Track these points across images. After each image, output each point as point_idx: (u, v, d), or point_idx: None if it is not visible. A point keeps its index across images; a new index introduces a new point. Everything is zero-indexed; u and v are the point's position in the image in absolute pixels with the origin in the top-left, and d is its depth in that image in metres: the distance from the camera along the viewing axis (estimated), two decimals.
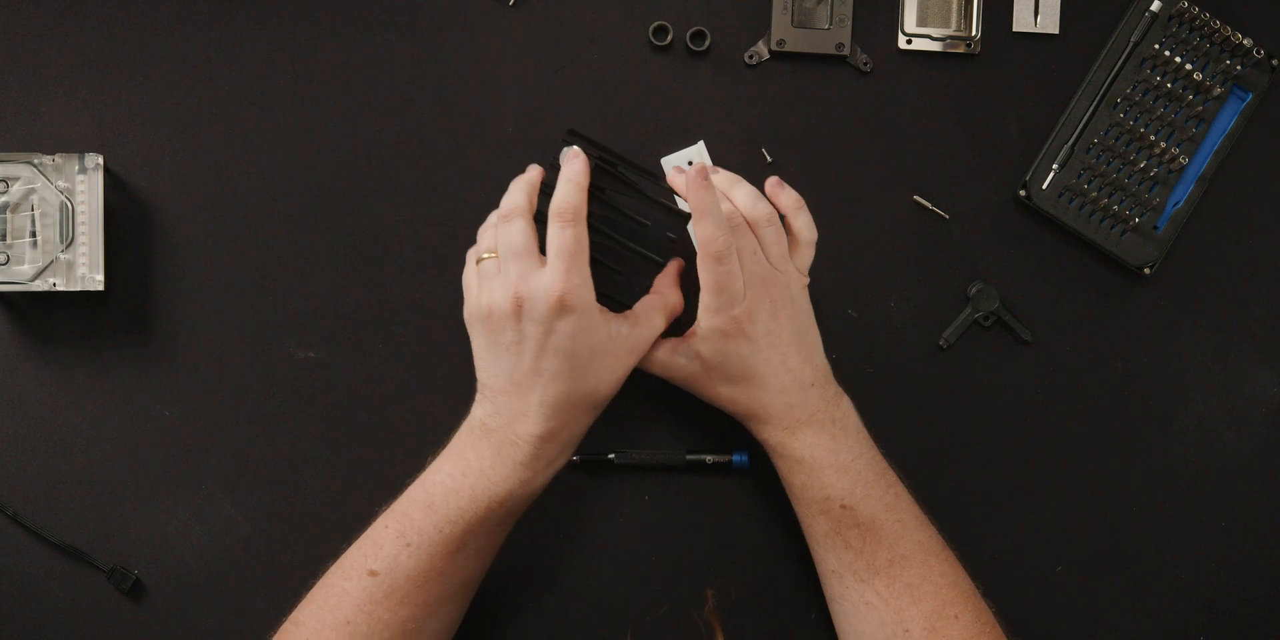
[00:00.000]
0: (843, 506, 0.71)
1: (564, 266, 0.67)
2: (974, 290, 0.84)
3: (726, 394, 0.74)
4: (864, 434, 0.74)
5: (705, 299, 0.71)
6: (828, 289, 0.83)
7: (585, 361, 0.69)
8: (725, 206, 0.72)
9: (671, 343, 0.75)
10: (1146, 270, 0.84)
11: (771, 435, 0.73)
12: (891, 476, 0.74)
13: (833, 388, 0.74)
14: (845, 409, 0.74)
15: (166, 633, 0.78)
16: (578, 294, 0.67)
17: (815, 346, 0.74)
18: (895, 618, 0.70)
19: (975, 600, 0.72)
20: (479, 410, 0.71)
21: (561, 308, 0.67)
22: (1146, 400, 0.85)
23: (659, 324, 0.74)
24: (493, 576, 0.80)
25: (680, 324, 0.76)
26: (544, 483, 0.72)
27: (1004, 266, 0.85)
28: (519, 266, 0.68)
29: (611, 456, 0.80)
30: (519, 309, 0.67)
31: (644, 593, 0.81)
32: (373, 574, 0.68)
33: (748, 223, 0.72)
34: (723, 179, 0.75)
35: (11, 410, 0.79)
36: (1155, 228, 0.84)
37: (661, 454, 0.81)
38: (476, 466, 0.69)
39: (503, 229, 0.70)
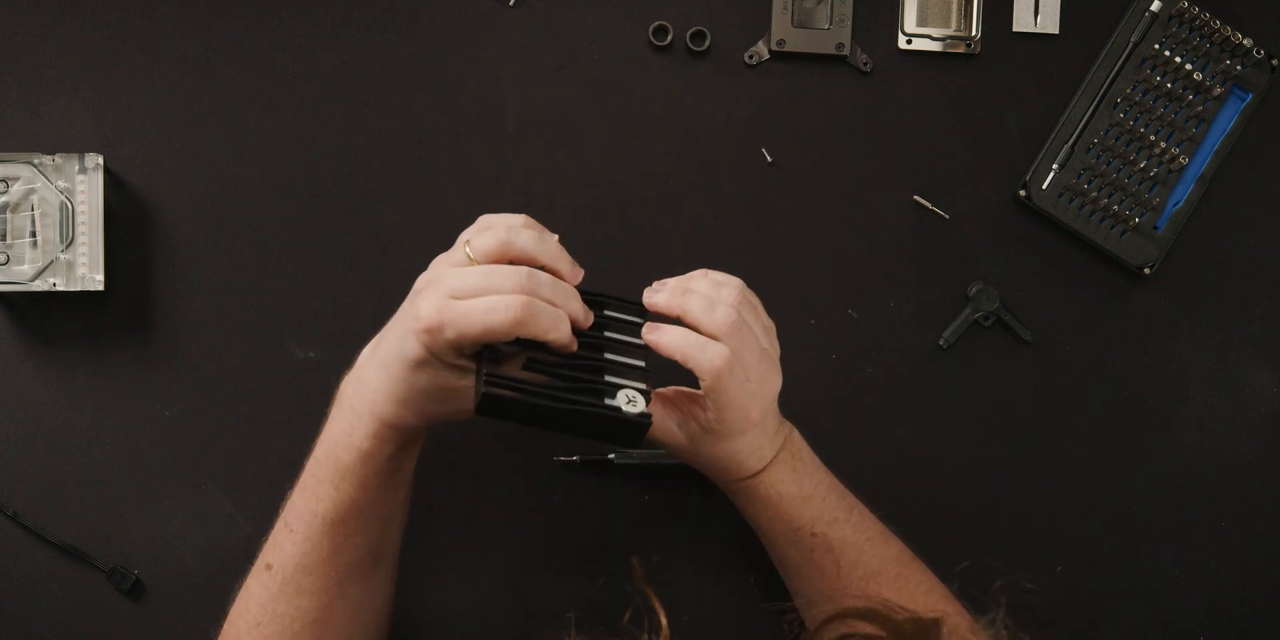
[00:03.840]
0: (813, 534, 0.70)
1: (448, 316, 0.59)
2: (974, 290, 0.84)
3: (696, 458, 0.69)
4: (816, 459, 0.72)
5: (714, 408, 0.64)
6: (828, 289, 0.83)
7: (421, 388, 0.63)
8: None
9: (657, 408, 0.67)
10: (1146, 270, 0.84)
11: (739, 486, 0.70)
12: (851, 496, 0.73)
13: (779, 420, 0.70)
14: (796, 438, 0.71)
15: (166, 633, 0.78)
16: (431, 337, 0.60)
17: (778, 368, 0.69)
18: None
19: (952, 603, 0.72)
20: (347, 375, 0.68)
21: (419, 332, 0.60)
22: (1146, 400, 0.85)
23: None
24: (493, 576, 0.80)
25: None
26: (393, 451, 0.65)
27: (1004, 266, 0.85)
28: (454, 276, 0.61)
29: (611, 456, 0.80)
30: (414, 298, 0.62)
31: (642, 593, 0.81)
32: (269, 568, 0.67)
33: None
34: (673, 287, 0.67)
35: (11, 410, 0.79)
36: (1155, 228, 0.84)
37: (661, 454, 0.80)
38: (328, 436, 0.66)
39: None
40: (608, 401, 0.62)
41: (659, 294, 0.66)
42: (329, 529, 0.65)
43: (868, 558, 0.71)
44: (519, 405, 0.60)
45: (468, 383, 0.62)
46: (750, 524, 0.74)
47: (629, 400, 0.63)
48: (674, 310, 0.65)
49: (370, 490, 0.66)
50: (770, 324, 0.69)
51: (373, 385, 0.64)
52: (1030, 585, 0.59)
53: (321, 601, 0.66)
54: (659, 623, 0.55)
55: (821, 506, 0.71)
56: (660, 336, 0.64)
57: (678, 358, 0.63)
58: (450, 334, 0.59)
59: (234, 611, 0.68)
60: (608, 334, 0.66)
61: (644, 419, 0.62)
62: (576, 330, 0.63)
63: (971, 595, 0.67)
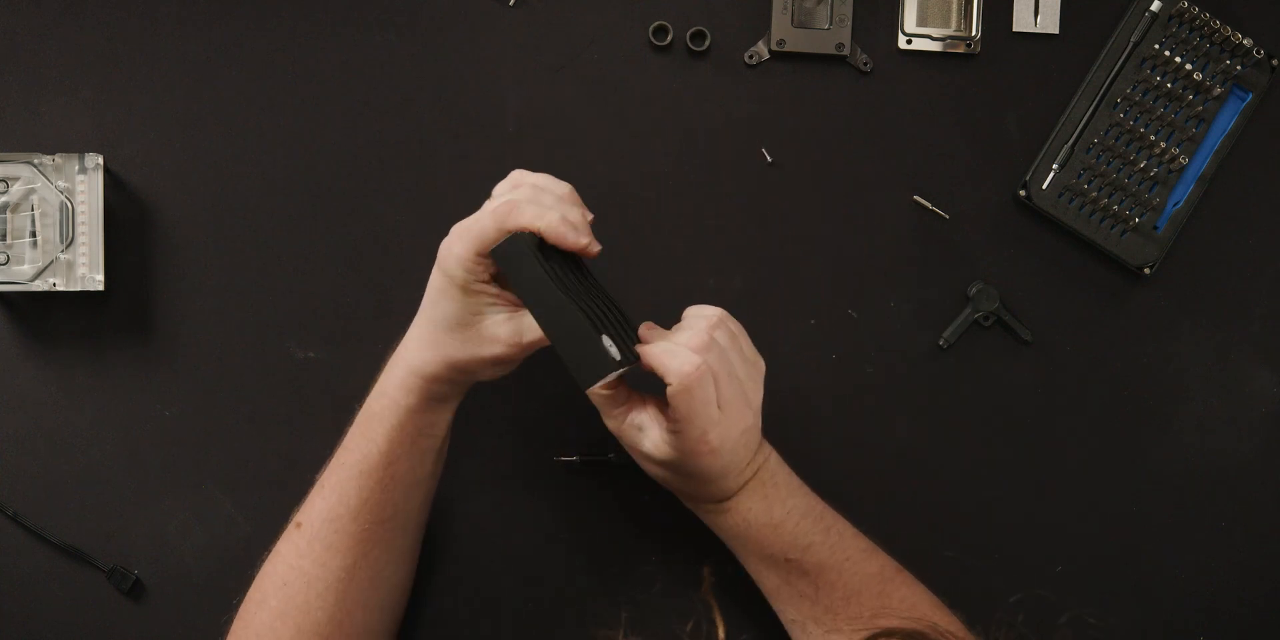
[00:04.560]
0: (787, 560, 0.70)
1: (461, 228, 0.65)
2: (974, 290, 0.84)
3: (663, 476, 0.70)
4: (793, 480, 0.72)
5: (673, 421, 0.65)
6: (828, 289, 0.83)
7: (442, 321, 0.67)
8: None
9: (636, 404, 0.68)
10: (1146, 270, 0.84)
11: (706, 512, 0.72)
12: (829, 516, 0.72)
13: (751, 452, 0.70)
14: (772, 463, 0.71)
15: (166, 633, 0.78)
16: (443, 254, 0.66)
17: (753, 408, 0.69)
18: None
19: (941, 613, 0.71)
20: None
21: (439, 258, 0.66)
22: (1146, 400, 0.85)
23: (526, 341, 0.67)
24: (491, 575, 0.80)
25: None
26: (419, 402, 0.68)
27: (1004, 266, 0.85)
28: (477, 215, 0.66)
29: (611, 456, 0.80)
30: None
31: (642, 593, 0.81)
32: (298, 526, 0.69)
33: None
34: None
35: (11, 410, 0.79)
36: (1155, 228, 0.84)
37: None
38: (374, 391, 0.70)
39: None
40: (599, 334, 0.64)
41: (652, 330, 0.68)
42: (357, 479, 0.68)
43: (847, 578, 0.71)
44: (531, 268, 0.63)
45: (489, 319, 0.66)
46: (732, 549, 0.74)
47: (612, 344, 0.64)
48: (658, 332, 0.67)
49: (397, 444, 0.69)
50: (756, 359, 0.69)
51: (408, 336, 0.69)
52: (1094, 621, 0.59)
53: (346, 561, 0.68)
54: (716, 635, 0.56)
55: (794, 532, 0.70)
56: (648, 333, 0.67)
57: (652, 361, 0.64)
58: (459, 246, 0.64)
59: (261, 573, 0.70)
60: (614, 318, 0.67)
61: (616, 358, 0.63)
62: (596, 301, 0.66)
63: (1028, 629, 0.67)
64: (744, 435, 0.67)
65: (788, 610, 0.73)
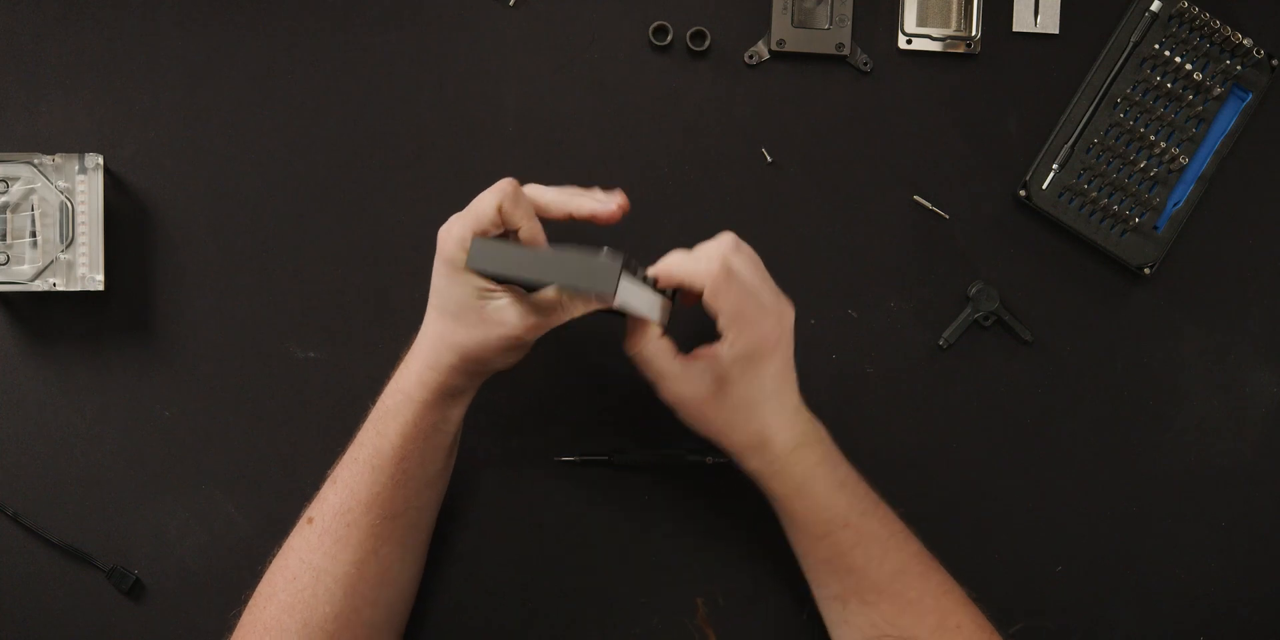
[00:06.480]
0: (845, 526, 0.70)
1: (458, 215, 0.68)
2: (974, 290, 0.84)
3: (728, 420, 0.70)
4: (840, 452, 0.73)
5: (729, 325, 0.68)
6: (828, 289, 0.83)
7: (450, 307, 0.68)
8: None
9: (682, 360, 0.70)
10: (1146, 270, 0.84)
11: (772, 461, 0.70)
12: (875, 492, 0.73)
13: (803, 405, 0.72)
14: (822, 427, 0.73)
15: (166, 633, 0.78)
16: (443, 239, 0.67)
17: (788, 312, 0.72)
18: (901, 635, 0.69)
19: (970, 606, 0.72)
20: None
21: (439, 245, 0.67)
22: (1146, 400, 0.85)
23: (533, 320, 0.68)
24: (490, 574, 0.80)
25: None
26: (431, 398, 0.69)
27: (1004, 266, 0.85)
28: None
29: (611, 456, 0.80)
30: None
31: (643, 593, 0.81)
32: (310, 521, 0.70)
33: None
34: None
35: (11, 410, 0.79)
36: (1155, 228, 0.84)
37: (661, 454, 0.81)
38: (388, 387, 0.71)
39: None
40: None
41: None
42: (369, 474, 0.69)
43: (894, 554, 0.71)
44: (505, 247, 0.64)
45: (494, 301, 0.67)
46: (782, 517, 0.73)
47: (608, 252, 0.64)
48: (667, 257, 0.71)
49: (409, 439, 0.69)
50: (768, 278, 0.72)
51: (420, 332, 0.70)
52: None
53: (355, 555, 0.68)
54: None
55: (853, 496, 0.71)
56: (661, 263, 0.69)
57: (676, 275, 0.68)
58: (458, 227, 0.66)
59: (271, 568, 0.70)
60: None
61: (618, 259, 0.63)
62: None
63: None
64: (791, 326, 0.71)
65: (832, 584, 0.72)
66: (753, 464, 0.71)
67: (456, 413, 0.72)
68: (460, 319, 0.67)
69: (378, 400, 0.71)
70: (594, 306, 0.68)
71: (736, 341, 0.68)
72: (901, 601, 0.70)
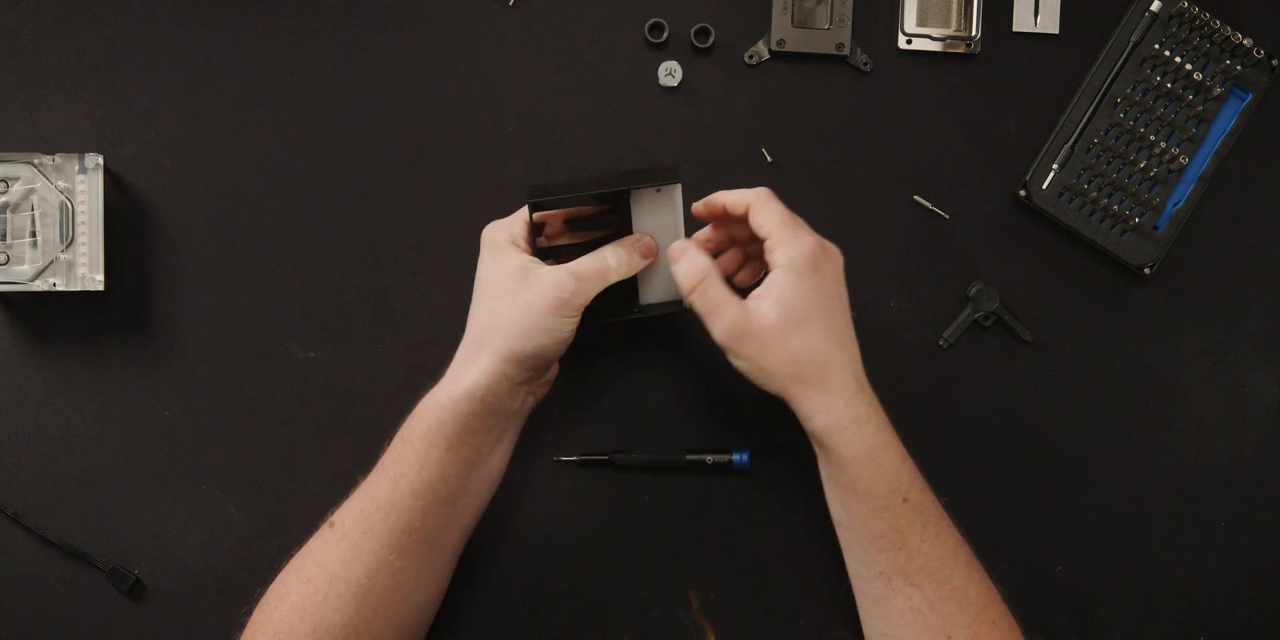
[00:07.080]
0: (905, 500, 0.68)
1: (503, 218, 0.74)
2: (974, 290, 0.84)
3: (799, 346, 0.68)
4: None
5: (776, 233, 0.69)
6: None
7: (503, 280, 0.70)
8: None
9: (739, 302, 0.69)
10: (1146, 270, 0.84)
11: (840, 417, 0.68)
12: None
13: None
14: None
15: (166, 633, 0.78)
16: (488, 231, 0.73)
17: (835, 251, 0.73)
18: (940, 624, 0.68)
19: (1003, 605, 0.71)
20: None
21: (484, 240, 0.73)
22: (1146, 400, 0.85)
23: (574, 283, 0.70)
24: (489, 573, 0.80)
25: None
26: (458, 400, 0.69)
27: (1004, 266, 0.85)
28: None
29: (611, 456, 0.80)
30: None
31: (642, 592, 0.81)
32: (331, 524, 0.70)
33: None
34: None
35: (11, 410, 0.79)
36: (1155, 228, 0.84)
37: (661, 454, 0.81)
38: (427, 395, 0.71)
39: None
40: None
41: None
42: (390, 481, 0.69)
43: (946, 536, 0.69)
44: (559, 187, 0.72)
45: (542, 267, 0.71)
46: (841, 486, 0.70)
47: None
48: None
49: (431, 447, 0.69)
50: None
51: (460, 348, 0.72)
52: None
53: (369, 564, 0.68)
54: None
55: (914, 471, 0.70)
56: (704, 199, 0.73)
57: (719, 200, 0.72)
58: (502, 222, 0.74)
59: (288, 568, 0.70)
60: None
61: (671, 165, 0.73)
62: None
63: None
64: (841, 266, 0.72)
65: (880, 561, 0.69)
66: (822, 419, 0.68)
67: (488, 435, 0.71)
68: (506, 296, 0.69)
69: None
70: (637, 266, 0.73)
71: (786, 249, 0.69)
72: (947, 587, 0.68)
